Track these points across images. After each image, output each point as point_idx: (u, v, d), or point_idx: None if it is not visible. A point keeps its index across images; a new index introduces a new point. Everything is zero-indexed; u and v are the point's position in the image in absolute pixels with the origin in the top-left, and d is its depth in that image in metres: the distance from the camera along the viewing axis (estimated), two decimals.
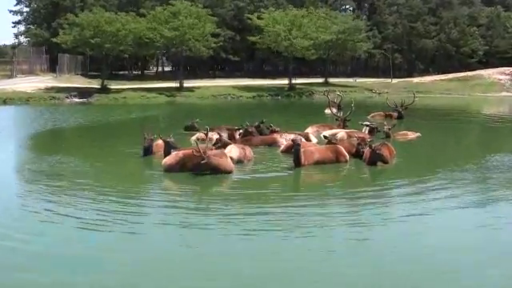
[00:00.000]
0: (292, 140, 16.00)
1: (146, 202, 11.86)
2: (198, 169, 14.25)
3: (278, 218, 10.59)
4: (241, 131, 20.44)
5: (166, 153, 16.28)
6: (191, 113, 36.97)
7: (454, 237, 9.73)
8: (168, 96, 51.70)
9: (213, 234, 9.79)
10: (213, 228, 10.06)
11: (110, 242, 9.37)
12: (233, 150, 16.06)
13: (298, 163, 15.36)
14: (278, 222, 10.42)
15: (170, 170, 14.70)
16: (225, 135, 18.95)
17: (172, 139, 16.64)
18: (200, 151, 14.34)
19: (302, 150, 15.72)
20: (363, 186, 13.45)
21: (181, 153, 15.06)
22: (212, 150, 15.51)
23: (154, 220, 10.54)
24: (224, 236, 9.65)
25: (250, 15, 64.88)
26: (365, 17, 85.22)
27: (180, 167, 14.69)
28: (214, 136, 20.17)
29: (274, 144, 19.42)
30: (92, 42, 51.68)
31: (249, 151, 16.72)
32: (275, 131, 20.96)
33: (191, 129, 23.49)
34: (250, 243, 9.32)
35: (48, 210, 11.12)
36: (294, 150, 15.60)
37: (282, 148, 18.12)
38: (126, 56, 62.12)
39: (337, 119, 24.10)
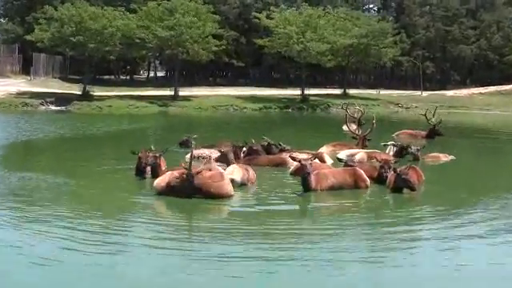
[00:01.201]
0: (300, 163, 15.91)
1: (127, 235, 11.66)
2: (184, 191, 14.29)
3: (281, 262, 10.20)
4: (244, 149, 20.52)
5: (153, 172, 16.39)
6: (187, 126, 37.19)
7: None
8: (160, 106, 51.93)
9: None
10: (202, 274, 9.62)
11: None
12: (235, 172, 16.08)
13: (306, 190, 15.41)
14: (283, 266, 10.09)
15: (163, 191, 14.74)
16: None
17: (155, 155, 16.74)
18: (186, 166, 14.47)
19: (314, 172, 15.76)
20: (386, 217, 13.41)
21: (176, 172, 15.10)
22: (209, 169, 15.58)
23: (129, 260, 10.23)
24: None
25: (257, 14, 65.34)
26: (391, 18, 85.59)
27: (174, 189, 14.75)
28: (213, 154, 20.29)
29: (282, 165, 19.47)
30: (73, 40, 52.00)
31: (252, 173, 16.77)
32: (284, 150, 21.02)
33: (186, 145, 23.58)
34: None
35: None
36: (301, 177, 15.65)
37: (291, 169, 18.18)
38: (113, 58, 62.44)
39: (355, 137, 24.16)
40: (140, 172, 17.04)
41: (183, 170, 14.84)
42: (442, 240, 11.54)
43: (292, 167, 18.13)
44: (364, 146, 22.81)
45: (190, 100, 54.90)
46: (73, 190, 15.63)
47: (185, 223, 12.64)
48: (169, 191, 14.59)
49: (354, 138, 24.24)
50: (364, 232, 12.23)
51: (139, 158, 16.93)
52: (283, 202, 14.64)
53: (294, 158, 16.64)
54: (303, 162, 15.75)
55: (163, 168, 16.78)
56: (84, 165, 19.73)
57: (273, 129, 29.00)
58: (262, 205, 14.29)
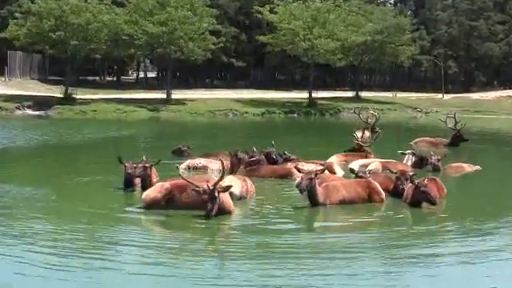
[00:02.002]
0: (301, 177, 15.89)
1: (109, 259, 11.49)
2: (193, 205, 14.38)
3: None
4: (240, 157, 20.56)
5: (143, 184, 16.49)
6: (181, 133, 37.26)
7: None
8: (151, 110, 52.07)
9: None
10: None
11: None
12: (234, 184, 16.10)
13: (314, 204, 15.48)
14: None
15: (153, 205, 14.82)
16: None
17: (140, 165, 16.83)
18: (195, 184, 14.45)
19: (323, 185, 15.83)
20: (403, 234, 13.37)
21: (167, 183, 15.20)
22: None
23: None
24: None
25: (259, 8, 65.51)
26: (410, 13, 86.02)
27: (166, 203, 14.82)
28: (211, 164, 20.36)
29: (287, 176, 19.51)
30: (53, 36, 52.11)
31: (250, 184, 16.81)
32: (290, 160, 21.06)
33: (181, 154, 23.66)
34: None
35: None
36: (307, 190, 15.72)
37: (297, 181, 18.20)
38: (98, 57, 62.73)
39: (359, 145, 24.27)
40: (128, 184, 17.13)
41: (181, 182, 14.97)
42: (469, 263, 11.43)
43: (298, 179, 18.13)
44: (363, 150, 23.23)
45: (184, 104, 55.03)
46: (53, 204, 15.65)
47: (176, 245, 12.44)
48: (160, 204, 14.68)
49: (359, 146, 24.17)
50: (379, 254, 12.05)
51: (125, 168, 17.02)
52: (287, 219, 14.51)
53: (299, 170, 16.69)
54: (305, 173, 15.85)
55: (154, 180, 16.86)
56: (66, 176, 19.73)
57: (276, 136, 28.93)
58: (263, 223, 14.21)
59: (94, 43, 54.57)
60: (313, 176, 15.47)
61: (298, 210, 15.52)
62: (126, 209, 15.20)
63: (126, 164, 17.01)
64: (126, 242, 12.30)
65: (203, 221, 13.89)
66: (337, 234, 13.67)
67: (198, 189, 14.21)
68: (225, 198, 14.55)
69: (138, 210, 14.88)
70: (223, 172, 15.06)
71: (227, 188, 14.51)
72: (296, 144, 28.13)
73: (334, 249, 12.24)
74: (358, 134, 26.56)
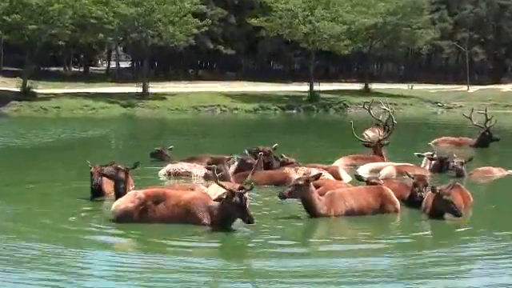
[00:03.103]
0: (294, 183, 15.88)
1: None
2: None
3: None
4: (235, 163, 20.54)
5: (117, 192, 16.42)
6: (160, 133, 37.22)
7: None
8: (125, 106, 52.09)
9: None
10: None
11: None
12: (220, 193, 16.05)
13: (313, 216, 15.49)
14: None
15: (124, 218, 14.76)
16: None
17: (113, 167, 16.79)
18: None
19: (328, 193, 15.82)
20: (423, 253, 13.32)
21: (141, 192, 15.15)
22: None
23: None
24: None
25: None
26: None
27: (140, 215, 14.74)
28: (195, 170, 20.32)
29: (284, 182, 19.48)
30: (7, 20, 51.98)
31: None
32: (287, 163, 21.05)
33: (160, 157, 23.67)
34: None
35: None
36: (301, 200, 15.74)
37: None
38: (62, 44, 62.63)
39: (367, 145, 24.30)
40: (96, 192, 17.16)
41: (158, 191, 14.98)
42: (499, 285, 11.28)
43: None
44: (377, 152, 23.31)
45: (163, 99, 55.05)
46: (8, 216, 15.61)
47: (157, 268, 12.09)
48: (132, 217, 14.64)
49: (367, 146, 24.31)
50: (394, 275, 11.85)
51: (91, 174, 17.02)
52: (282, 235, 14.31)
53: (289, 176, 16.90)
54: (302, 175, 15.97)
55: (131, 188, 16.78)
56: (24, 185, 19.69)
57: (272, 136, 28.90)
58: (254, 238, 14.08)
59: (56, 28, 54.51)
60: (301, 182, 15.48)
61: (296, 223, 15.46)
62: (93, 224, 15.04)
63: (92, 170, 17.00)
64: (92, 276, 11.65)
65: (184, 232, 13.83)
66: (341, 253, 13.26)
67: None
68: None
69: (108, 225, 14.71)
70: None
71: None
72: (295, 145, 28.10)
73: (335, 270, 12.01)
74: (370, 133, 26.58)
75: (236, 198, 14.02)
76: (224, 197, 14.22)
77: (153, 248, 13.31)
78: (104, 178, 17.05)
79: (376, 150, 23.65)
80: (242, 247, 13.83)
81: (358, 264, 12.35)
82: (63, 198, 17.81)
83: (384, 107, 33.30)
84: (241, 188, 14.36)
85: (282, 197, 15.49)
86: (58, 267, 11.96)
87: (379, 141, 23.96)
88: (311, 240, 14.82)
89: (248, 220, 13.96)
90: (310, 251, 13.90)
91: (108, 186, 17.22)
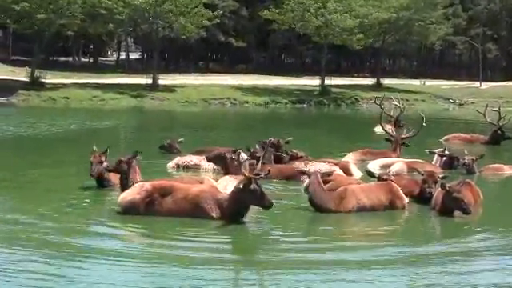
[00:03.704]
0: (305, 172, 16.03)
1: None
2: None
3: None
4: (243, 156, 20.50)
5: (122, 184, 16.44)
6: (169, 125, 37.19)
7: None
8: (134, 97, 52.15)
9: None
10: None
11: None
12: (230, 186, 16.02)
13: (317, 209, 15.54)
14: None
15: (130, 210, 14.75)
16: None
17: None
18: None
19: (340, 189, 15.83)
20: (431, 250, 13.24)
21: (148, 184, 15.12)
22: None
23: None
24: None
25: None
26: None
27: (146, 207, 14.71)
28: (204, 163, 20.29)
29: (294, 177, 19.46)
30: (16, 8, 51.95)
31: None
32: (297, 158, 21.02)
33: (169, 150, 23.67)
34: None
35: None
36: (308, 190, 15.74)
37: (305, 184, 18.14)
38: (71, 34, 62.63)
39: (389, 140, 24.21)
40: (99, 182, 17.32)
41: (165, 183, 15.01)
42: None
43: (307, 181, 18.09)
44: (396, 151, 23.21)
45: (173, 91, 55.06)
46: (15, 207, 15.62)
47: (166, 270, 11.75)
48: (139, 209, 14.65)
49: (388, 140, 24.27)
50: (403, 274, 11.73)
51: (90, 162, 17.14)
52: (291, 231, 14.31)
53: (303, 172, 16.85)
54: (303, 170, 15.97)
55: (138, 179, 16.75)
56: (30, 176, 19.72)
57: (282, 130, 28.87)
58: (263, 234, 14.15)
59: (65, 17, 54.47)
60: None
61: (306, 218, 15.49)
62: (100, 218, 14.99)
63: (92, 159, 17.09)
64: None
65: (190, 229, 13.81)
66: (349, 250, 13.23)
67: None
68: None
69: (114, 219, 14.67)
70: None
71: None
72: (305, 139, 28.14)
73: (343, 266, 11.99)
74: (387, 127, 26.45)
75: (254, 185, 14.09)
76: (240, 186, 14.25)
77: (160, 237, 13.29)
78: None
79: (395, 146, 23.57)
80: (251, 240, 13.86)
81: (367, 256, 12.51)
82: (69, 190, 17.72)
83: (395, 103, 33.32)
84: (256, 174, 14.44)
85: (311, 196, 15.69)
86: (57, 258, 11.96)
87: (402, 139, 23.81)
88: (320, 233, 14.82)
89: (268, 205, 14.12)
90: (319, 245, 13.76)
91: (115, 176, 17.22)
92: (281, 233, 14.01)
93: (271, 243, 13.41)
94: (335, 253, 12.88)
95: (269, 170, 14.98)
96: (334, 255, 12.76)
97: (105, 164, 16.92)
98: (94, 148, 17.34)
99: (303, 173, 16.84)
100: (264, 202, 14.13)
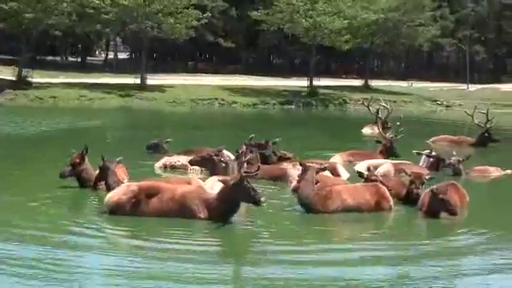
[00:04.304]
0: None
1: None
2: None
3: None
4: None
5: (108, 184, 16.45)
6: (157, 125, 37.14)
7: None
8: (122, 97, 52.08)
9: None
10: None
11: None
12: (217, 187, 16.00)
13: (308, 210, 15.53)
14: None
15: (116, 210, 14.72)
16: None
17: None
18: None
19: (326, 189, 15.84)
20: (418, 250, 13.31)
21: (135, 185, 15.10)
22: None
23: None
24: None
25: None
26: None
27: (132, 208, 14.68)
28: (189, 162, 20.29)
29: (281, 178, 19.48)
30: (4, 8, 51.91)
31: None
32: (285, 159, 21.03)
33: (156, 150, 23.63)
34: None
35: None
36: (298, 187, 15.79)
37: (293, 185, 18.18)
38: (59, 33, 62.43)
39: (379, 141, 24.31)
40: (80, 183, 17.35)
41: (152, 184, 15.02)
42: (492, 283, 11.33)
43: (294, 182, 18.12)
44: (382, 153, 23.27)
45: (161, 91, 55.01)
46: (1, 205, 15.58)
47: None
48: (125, 209, 14.62)
49: (378, 141, 24.34)
50: (385, 273, 11.82)
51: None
52: (279, 238, 13.94)
53: (300, 164, 16.92)
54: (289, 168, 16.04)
55: (125, 180, 16.76)
56: (16, 176, 19.73)
57: (271, 131, 28.89)
58: (251, 234, 14.13)
59: (53, 16, 54.25)
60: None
61: (293, 219, 15.43)
62: (85, 217, 14.96)
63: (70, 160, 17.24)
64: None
65: (179, 229, 13.78)
66: (335, 251, 13.24)
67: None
68: None
69: (100, 220, 14.59)
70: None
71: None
72: (293, 140, 28.11)
73: (330, 262, 12.19)
74: (368, 130, 26.59)
75: (245, 183, 14.20)
76: (231, 183, 14.29)
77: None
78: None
79: (384, 148, 23.63)
80: (239, 241, 13.88)
81: (355, 256, 12.60)
82: (55, 190, 17.65)
83: (383, 104, 33.39)
84: (246, 172, 14.62)
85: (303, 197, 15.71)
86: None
87: (391, 142, 23.86)
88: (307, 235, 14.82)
89: (258, 201, 14.25)
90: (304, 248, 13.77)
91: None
92: (268, 233, 14.03)
93: (259, 244, 13.44)
94: (322, 254, 12.93)
95: (258, 167, 15.02)
96: (320, 256, 12.84)
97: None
98: (73, 151, 17.34)
99: (300, 164, 16.78)
100: (255, 198, 14.22)
